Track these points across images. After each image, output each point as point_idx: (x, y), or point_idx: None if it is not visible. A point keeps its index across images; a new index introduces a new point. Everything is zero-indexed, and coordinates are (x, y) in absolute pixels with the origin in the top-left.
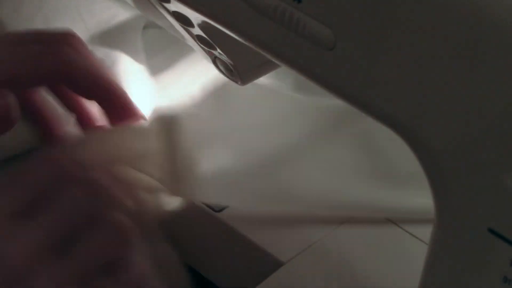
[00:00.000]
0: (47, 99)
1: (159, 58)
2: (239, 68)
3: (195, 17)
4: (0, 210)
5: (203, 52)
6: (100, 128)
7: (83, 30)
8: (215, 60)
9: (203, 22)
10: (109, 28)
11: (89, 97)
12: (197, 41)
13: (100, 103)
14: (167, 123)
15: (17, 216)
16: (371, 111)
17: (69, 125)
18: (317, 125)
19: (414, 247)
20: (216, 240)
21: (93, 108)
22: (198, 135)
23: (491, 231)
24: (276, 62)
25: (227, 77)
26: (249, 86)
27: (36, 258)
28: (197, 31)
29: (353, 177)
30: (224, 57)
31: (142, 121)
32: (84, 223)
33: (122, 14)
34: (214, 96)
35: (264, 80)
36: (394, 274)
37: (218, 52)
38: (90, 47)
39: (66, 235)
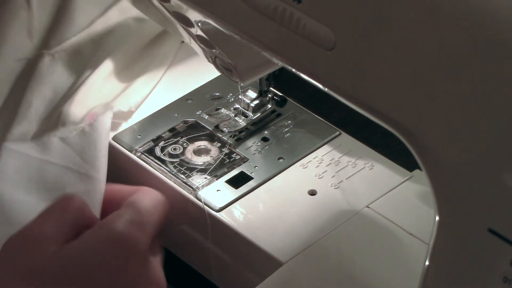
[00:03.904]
0: None
1: None
2: (238, 68)
3: (195, 17)
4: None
5: (203, 52)
6: None
7: None
8: (215, 60)
9: (203, 22)
10: None
11: None
12: (197, 41)
13: None
14: None
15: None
16: (371, 111)
17: None
18: None
19: (414, 247)
20: (216, 240)
21: None
22: None
23: (491, 231)
24: (276, 62)
25: (227, 76)
26: None
27: None
28: (197, 31)
29: None
30: (224, 57)
31: None
32: None
33: None
34: None
35: None
36: (394, 274)
37: (218, 52)
38: None
39: None
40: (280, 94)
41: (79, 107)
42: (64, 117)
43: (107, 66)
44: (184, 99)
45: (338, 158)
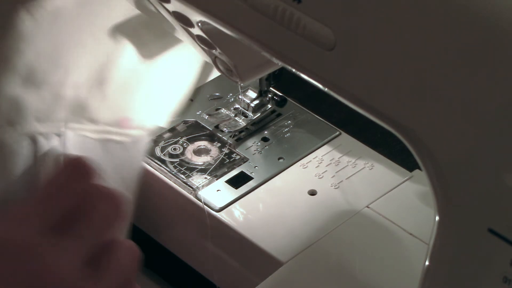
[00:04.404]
0: None
1: None
2: (239, 68)
3: (195, 17)
4: (32, 227)
5: (203, 52)
6: None
7: None
8: (215, 60)
9: (203, 22)
10: None
11: None
12: (197, 41)
13: None
14: None
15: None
16: (371, 111)
17: None
18: None
19: (414, 247)
20: (216, 240)
21: None
22: None
23: (491, 231)
24: (276, 62)
25: (227, 77)
26: None
27: (79, 270)
28: (197, 31)
29: None
30: (224, 57)
31: None
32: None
33: None
34: None
35: None
36: (394, 274)
37: (218, 52)
38: None
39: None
40: (280, 94)
41: (105, 103)
42: (90, 111)
43: (127, 63)
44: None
45: (338, 158)
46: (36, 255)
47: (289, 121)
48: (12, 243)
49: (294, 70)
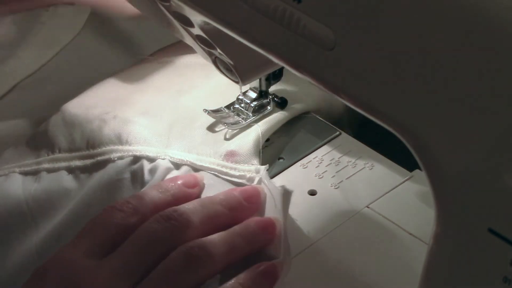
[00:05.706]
0: None
1: None
2: (239, 68)
3: (195, 17)
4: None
5: (203, 52)
6: None
7: None
8: (215, 60)
9: (203, 22)
10: None
11: None
12: (197, 41)
13: None
14: None
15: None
16: (372, 111)
17: None
18: None
19: (414, 247)
20: None
21: None
22: None
23: (491, 231)
24: (276, 62)
25: (227, 77)
26: None
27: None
28: (197, 31)
29: None
30: (224, 57)
31: None
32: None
33: None
34: None
35: None
36: (394, 274)
37: (218, 52)
38: None
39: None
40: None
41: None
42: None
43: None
44: None
45: (338, 158)
46: (78, 271)
47: (289, 121)
48: (65, 261)
49: (294, 70)
